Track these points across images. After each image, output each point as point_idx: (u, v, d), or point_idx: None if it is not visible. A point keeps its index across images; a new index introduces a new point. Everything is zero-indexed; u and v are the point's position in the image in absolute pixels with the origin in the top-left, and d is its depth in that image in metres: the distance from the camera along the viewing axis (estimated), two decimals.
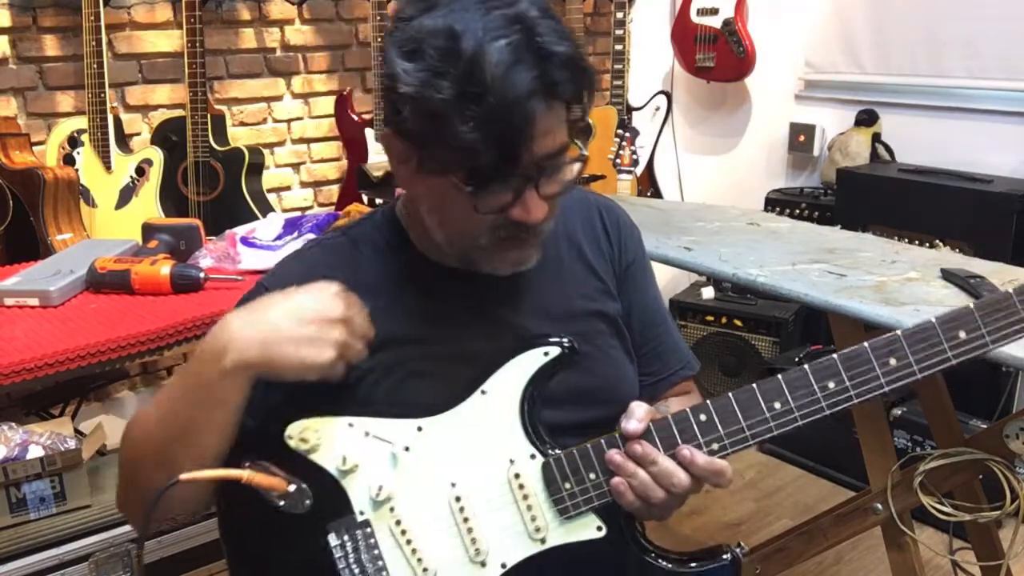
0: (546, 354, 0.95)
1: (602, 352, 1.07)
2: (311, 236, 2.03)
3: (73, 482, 1.86)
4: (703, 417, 0.92)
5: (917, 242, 2.62)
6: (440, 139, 0.84)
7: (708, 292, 3.12)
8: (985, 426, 2.25)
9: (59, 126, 2.56)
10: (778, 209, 3.20)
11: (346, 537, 0.92)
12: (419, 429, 0.94)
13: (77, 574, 1.88)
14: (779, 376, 0.90)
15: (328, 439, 0.93)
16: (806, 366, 0.90)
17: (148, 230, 2.00)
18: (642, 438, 0.92)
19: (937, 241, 2.63)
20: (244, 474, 0.87)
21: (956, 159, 2.87)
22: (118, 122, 2.63)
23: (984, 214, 2.60)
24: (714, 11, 3.35)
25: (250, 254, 1.96)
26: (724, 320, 3.05)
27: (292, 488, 0.88)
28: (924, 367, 0.88)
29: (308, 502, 0.89)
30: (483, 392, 0.95)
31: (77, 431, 2.09)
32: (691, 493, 0.92)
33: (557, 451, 0.94)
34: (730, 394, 0.91)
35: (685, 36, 3.43)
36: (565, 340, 0.95)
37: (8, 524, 1.81)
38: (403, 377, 0.99)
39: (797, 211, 3.15)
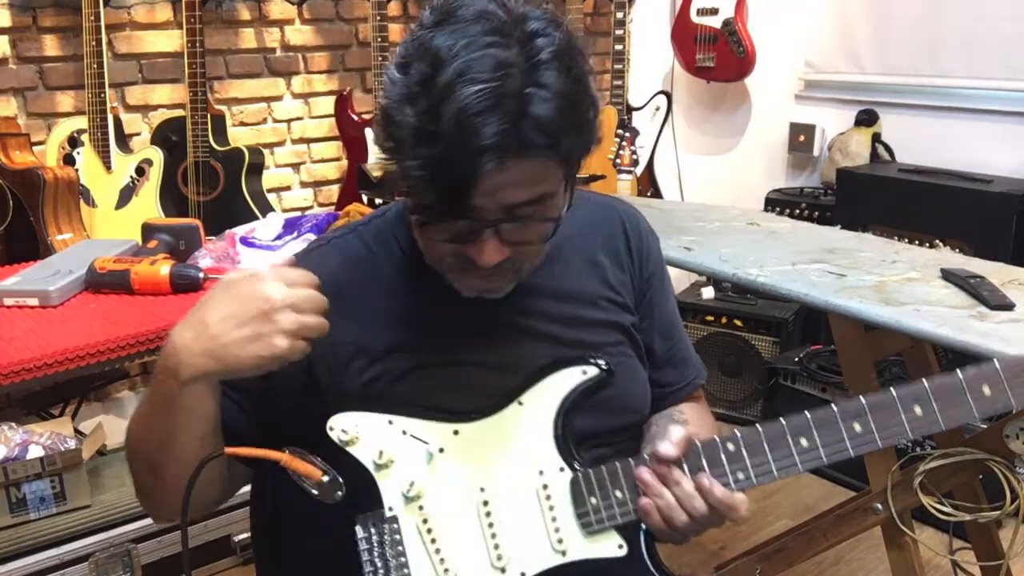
0: (584, 372, 0.96)
1: (617, 362, 1.06)
2: (311, 236, 2.03)
3: (73, 482, 1.87)
4: (731, 447, 0.92)
5: (917, 242, 2.62)
6: (400, 165, 0.85)
7: (708, 292, 3.12)
8: (985, 426, 2.25)
9: (59, 126, 2.56)
10: (778, 209, 3.20)
11: (372, 530, 0.94)
12: (455, 432, 0.96)
13: (77, 574, 1.88)
14: (807, 413, 0.92)
15: (367, 433, 0.95)
16: (834, 406, 0.92)
17: (148, 230, 2.00)
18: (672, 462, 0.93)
19: (937, 241, 2.63)
20: (283, 456, 0.88)
21: (956, 159, 2.87)
22: (118, 122, 2.63)
23: (984, 214, 2.60)
24: (714, 11, 3.35)
25: (250, 254, 1.96)
26: (724, 320, 3.04)
27: (326, 478, 0.89)
28: (949, 418, 0.89)
29: (340, 493, 0.90)
30: (520, 403, 0.97)
31: (77, 431, 2.10)
32: (710, 526, 0.93)
33: (586, 466, 0.96)
34: (759, 426, 0.93)
35: (685, 36, 3.43)
36: (603, 362, 0.96)
37: (8, 524, 1.82)
38: (426, 381, 1.00)
39: (797, 211, 3.15)
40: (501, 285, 0.96)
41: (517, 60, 0.82)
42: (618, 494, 0.94)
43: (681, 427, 0.95)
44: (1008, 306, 1.44)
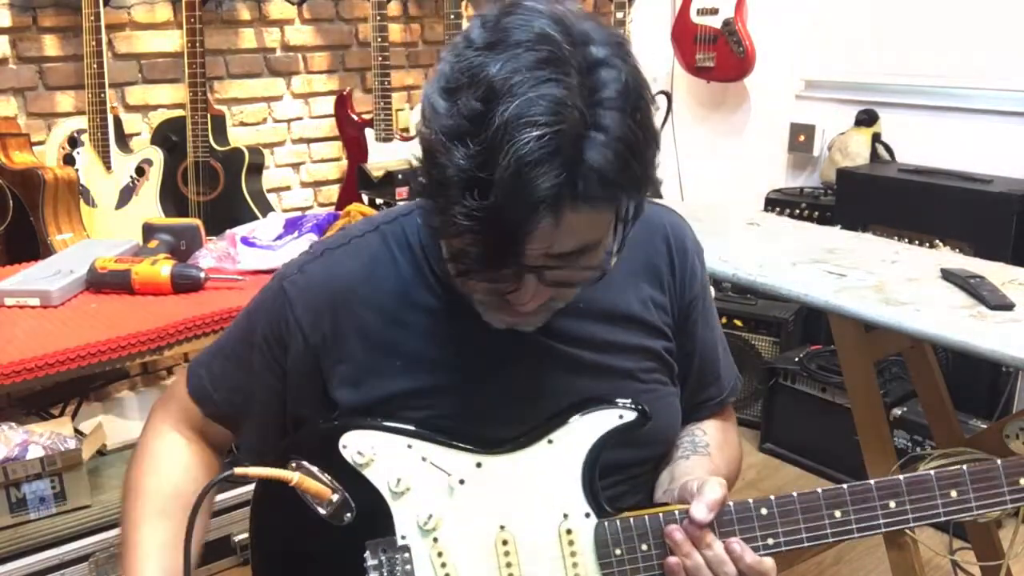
0: (621, 417, 0.93)
1: (649, 389, 1.02)
2: (312, 236, 2.03)
3: (73, 482, 1.86)
4: (764, 511, 0.91)
5: (917, 242, 2.62)
6: (436, 202, 0.77)
7: None
8: (985, 426, 2.25)
9: (59, 126, 2.56)
10: (778, 209, 3.19)
11: (383, 558, 0.91)
12: (478, 465, 0.93)
13: (77, 574, 1.87)
14: (845, 486, 0.91)
15: (384, 456, 0.92)
16: (872, 482, 0.91)
17: (148, 230, 2.00)
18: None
19: (937, 241, 2.63)
20: (294, 477, 0.86)
21: (956, 159, 2.87)
22: (118, 122, 2.63)
23: (984, 214, 2.60)
24: (714, 11, 3.35)
25: (250, 254, 1.96)
26: (724, 320, 3.04)
27: (336, 498, 0.88)
28: (982, 505, 0.90)
29: (349, 515, 0.88)
30: (550, 441, 0.93)
31: (77, 431, 2.09)
32: None
33: (613, 516, 0.93)
34: (795, 494, 0.91)
35: (685, 36, 3.43)
36: (640, 406, 0.93)
37: (8, 524, 1.81)
38: (449, 404, 0.96)
39: (797, 211, 3.15)
40: (535, 322, 0.91)
41: (577, 98, 0.73)
42: (644, 547, 0.91)
43: (717, 484, 0.90)
44: (1008, 306, 1.44)
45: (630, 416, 0.93)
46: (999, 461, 0.91)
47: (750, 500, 0.91)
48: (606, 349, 0.99)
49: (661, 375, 1.04)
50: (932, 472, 0.91)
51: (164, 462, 1.03)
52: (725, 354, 1.14)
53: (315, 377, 0.97)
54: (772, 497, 0.91)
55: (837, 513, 0.90)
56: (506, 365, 0.96)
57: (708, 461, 1.01)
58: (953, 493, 0.90)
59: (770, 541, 0.90)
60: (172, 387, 1.08)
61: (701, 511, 0.87)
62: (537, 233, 0.75)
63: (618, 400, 0.94)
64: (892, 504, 0.90)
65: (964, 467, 0.91)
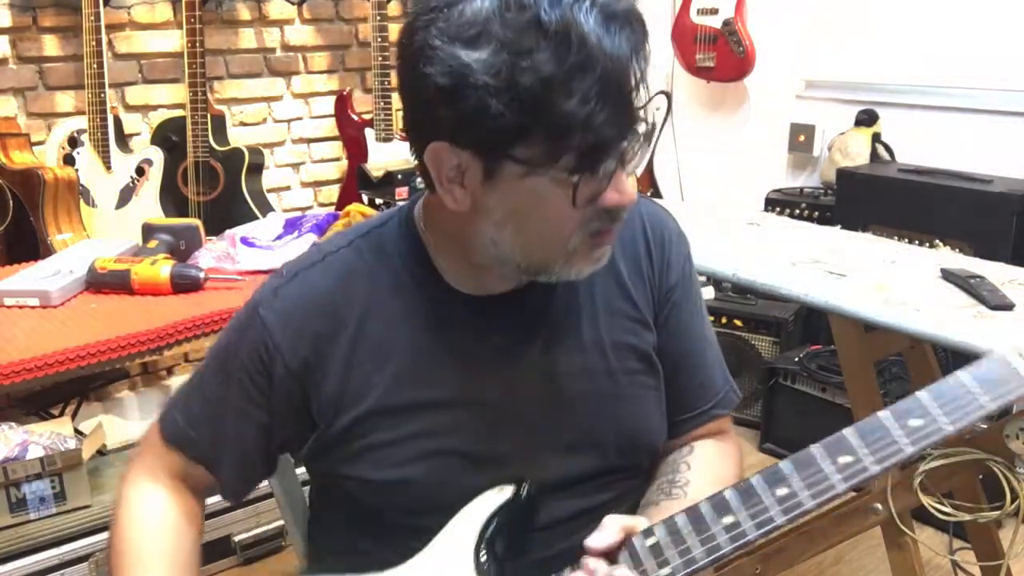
0: (501, 491, 0.91)
1: (630, 393, 0.97)
2: (311, 236, 2.03)
3: (73, 482, 1.86)
4: (651, 541, 0.83)
5: (917, 242, 2.62)
6: (543, 126, 0.74)
7: (708, 292, 3.12)
8: (985, 426, 2.25)
9: (59, 126, 2.56)
10: (778, 209, 3.19)
11: None
12: None
13: (77, 574, 1.88)
14: (726, 490, 0.83)
15: None
16: (752, 477, 0.83)
17: (148, 230, 2.00)
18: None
19: (937, 241, 2.62)
20: None
21: (956, 159, 2.87)
22: (118, 122, 2.63)
23: (984, 214, 2.60)
24: (714, 11, 3.34)
25: (250, 254, 1.96)
26: (724, 320, 3.04)
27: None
28: (880, 459, 0.80)
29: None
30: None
31: (77, 431, 2.09)
32: None
33: None
34: (679, 514, 0.83)
35: (685, 36, 3.43)
36: (521, 485, 0.91)
37: (8, 524, 1.82)
38: (426, 421, 0.92)
39: (797, 211, 3.15)
40: (611, 248, 0.89)
41: None
42: None
43: (612, 523, 0.84)
44: (1008, 306, 1.44)
45: (508, 492, 0.90)
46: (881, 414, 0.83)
47: (641, 530, 0.84)
48: (586, 348, 0.96)
49: (647, 378, 0.99)
50: (812, 448, 0.82)
51: (145, 516, 0.97)
52: (716, 363, 1.07)
53: (301, 403, 0.93)
54: (661, 521, 0.84)
55: (727, 519, 0.82)
56: (486, 372, 0.93)
57: (679, 505, 0.91)
58: (845, 459, 0.81)
59: (665, 571, 0.81)
60: (145, 438, 1.02)
61: (593, 539, 0.83)
62: (637, 80, 0.76)
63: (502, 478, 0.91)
64: (782, 491, 0.81)
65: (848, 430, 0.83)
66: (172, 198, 2.64)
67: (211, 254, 1.95)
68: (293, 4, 2.97)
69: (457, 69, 0.73)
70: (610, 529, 0.83)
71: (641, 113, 0.78)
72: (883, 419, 0.81)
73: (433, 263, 0.93)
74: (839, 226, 2.66)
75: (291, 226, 2.09)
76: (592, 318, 0.96)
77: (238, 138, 2.85)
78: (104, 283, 1.80)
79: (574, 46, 0.72)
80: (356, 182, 2.99)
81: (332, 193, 3.22)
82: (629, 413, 0.97)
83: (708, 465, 1.01)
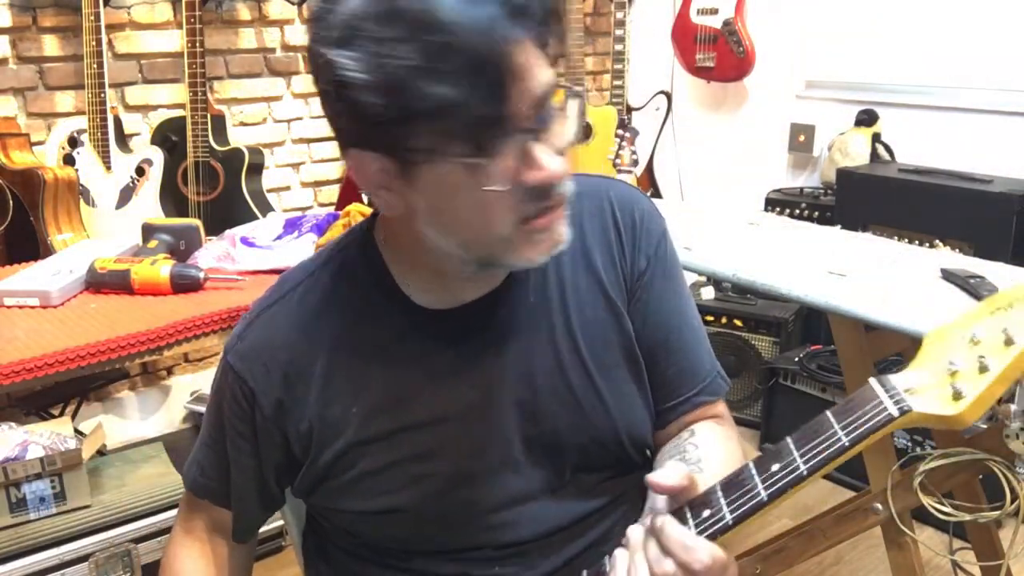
0: None
1: (609, 388, 0.94)
2: (311, 236, 2.03)
3: (73, 482, 1.87)
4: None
5: (917, 242, 2.62)
6: (421, 115, 0.71)
7: (708, 292, 3.12)
8: (985, 426, 2.25)
9: (59, 126, 2.56)
10: (778, 209, 3.19)
11: None
12: None
13: (77, 574, 1.88)
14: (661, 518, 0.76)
15: None
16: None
17: (148, 230, 2.00)
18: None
19: (937, 241, 2.62)
20: None
21: (956, 159, 2.87)
22: (118, 122, 2.63)
23: (984, 214, 2.60)
24: (714, 11, 3.34)
25: (249, 254, 1.96)
26: (724, 320, 3.04)
27: None
28: (735, 508, 0.77)
29: None
30: None
31: (77, 431, 2.09)
32: None
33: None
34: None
35: (685, 36, 3.43)
36: None
37: (8, 524, 1.82)
38: (409, 446, 0.90)
39: (797, 211, 3.15)
40: (563, 227, 0.83)
41: None
42: None
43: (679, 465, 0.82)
44: None
45: None
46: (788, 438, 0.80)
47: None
48: (560, 348, 0.92)
49: (622, 371, 0.95)
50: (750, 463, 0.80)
51: (180, 571, 1.02)
52: (700, 347, 1.00)
53: (282, 442, 0.93)
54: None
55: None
56: (464, 386, 0.90)
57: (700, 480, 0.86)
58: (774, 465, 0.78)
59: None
60: (181, 503, 1.07)
61: (659, 477, 0.77)
62: (516, 54, 0.71)
63: None
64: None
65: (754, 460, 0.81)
66: (172, 198, 2.64)
67: (211, 254, 1.95)
68: (293, 4, 2.97)
69: (336, 73, 0.72)
70: (675, 471, 0.78)
71: (542, 81, 0.74)
72: (749, 466, 0.80)
73: (397, 282, 0.90)
74: (839, 226, 2.66)
75: (291, 226, 2.09)
76: (565, 316, 0.93)
77: (238, 138, 2.85)
78: (104, 283, 1.80)
79: (434, 29, 0.69)
80: (356, 182, 2.99)
81: (332, 193, 3.22)
82: (610, 409, 0.93)
83: (716, 444, 0.96)
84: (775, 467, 0.78)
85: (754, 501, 0.76)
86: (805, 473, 0.76)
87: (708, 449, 0.94)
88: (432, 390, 0.90)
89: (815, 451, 0.76)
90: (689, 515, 0.77)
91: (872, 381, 0.76)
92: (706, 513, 0.76)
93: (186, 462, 1.04)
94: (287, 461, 0.95)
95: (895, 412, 0.73)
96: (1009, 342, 0.72)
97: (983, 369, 0.72)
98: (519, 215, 0.79)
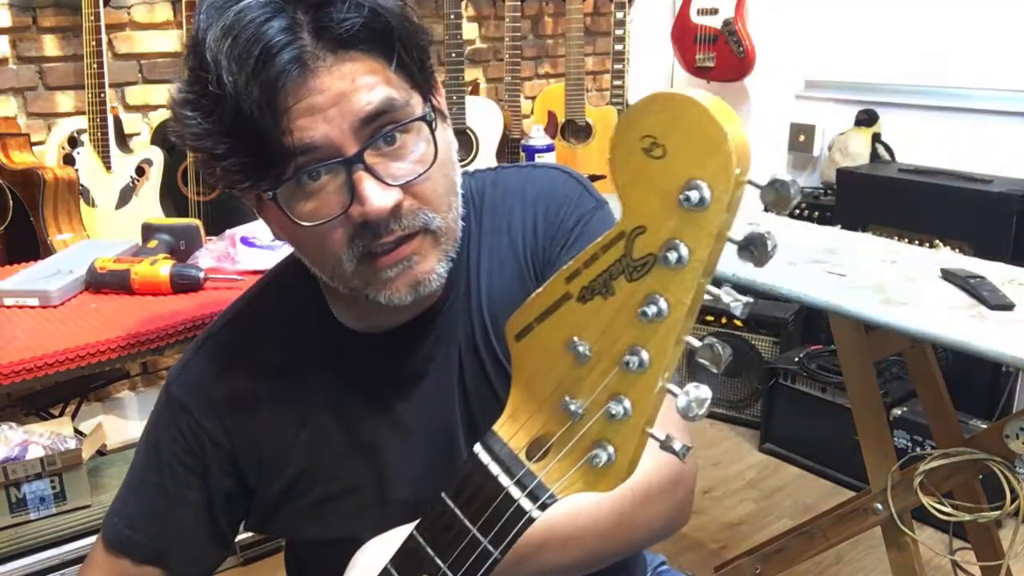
0: None
1: None
2: None
3: (73, 482, 1.87)
4: None
5: (917, 242, 2.62)
6: (210, 155, 0.73)
7: None
8: (985, 426, 2.25)
9: (59, 126, 2.56)
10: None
11: None
12: None
13: (77, 574, 1.88)
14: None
15: None
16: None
17: (148, 230, 2.00)
18: None
19: (937, 241, 2.62)
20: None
21: (956, 159, 2.87)
22: (118, 122, 2.63)
23: (984, 214, 2.60)
24: (714, 11, 3.35)
25: (249, 254, 1.96)
26: (724, 320, 3.04)
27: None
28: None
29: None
30: None
31: (77, 431, 2.09)
32: None
33: None
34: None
35: (685, 36, 3.43)
36: None
37: (8, 524, 1.82)
38: (355, 476, 0.87)
39: (797, 211, 3.15)
40: (425, 264, 0.77)
41: None
42: None
43: None
44: (1008, 306, 1.44)
45: None
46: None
47: None
48: (483, 361, 0.88)
49: None
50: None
51: None
52: None
53: (232, 469, 0.90)
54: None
55: None
56: (406, 407, 0.88)
57: None
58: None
59: None
60: (89, 556, 0.94)
61: None
62: (298, 94, 0.68)
63: None
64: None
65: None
66: (172, 198, 2.64)
67: (211, 254, 1.95)
68: None
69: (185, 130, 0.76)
70: None
71: (323, 131, 0.70)
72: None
73: (330, 307, 0.89)
74: (839, 226, 2.66)
75: None
76: (482, 319, 0.88)
77: None
78: (104, 283, 1.80)
79: (211, 79, 0.69)
80: None
81: None
82: None
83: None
84: None
85: None
86: None
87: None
88: (376, 414, 0.88)
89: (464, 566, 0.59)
90: None
91: (483, 456, 0.58)
92: None
93: (103, 520, 0.94)
94: (239, 490, 0.91)
95: (535, 513, 0.56)
96: (639, 366, 0.50)
97: (613, 417, 0.51)
98: (359, 251, 0.75)
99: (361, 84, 0.71)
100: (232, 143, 0.71)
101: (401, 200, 0.74)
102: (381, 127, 0.72)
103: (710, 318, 3.07)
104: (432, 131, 0.76)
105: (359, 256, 0.76)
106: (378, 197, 0.72)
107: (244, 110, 0.68)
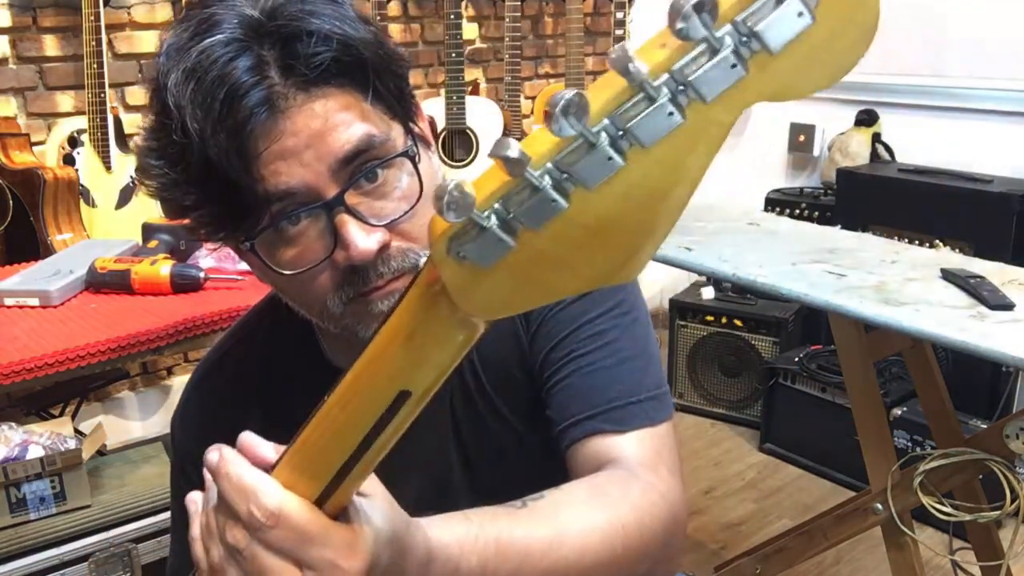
0: None
1: (532, 437, 0.85)
2: None
3: (73, 482, 1.87)
4: None
5: (917, 242, 2.62)
6: (177, 205, 0.71)
7: (708, 292, 3.12)
8: (985, 426, 2.25)
9: (59, 126, 2.56)
10: (778, 209, 3.19)
11: None
12: None
13: (77, 574, 1.88)
14: None
15: None
16: None
17: (148, 230, 2.00)
18: None
19: (937, 241, 2.63)
20: None
21: (956, 159, 2.87)
22: (118, 122, 2.63)
23: (984, 214, 2.60)
24: None
25: None
26: (724, 320, 3.04)
27: None
28: None
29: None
30: None
31: (77, 431, 2.09)
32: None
33: None
34: None
35: None
36: None
37: (8, 524, 1.82)
38: None
39: (797, 211, 3.15)
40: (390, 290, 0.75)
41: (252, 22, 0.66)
42: None
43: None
44: (1008, 306, 1.45)
45: None
46: None
47: None
48: (473, 398, 0.85)
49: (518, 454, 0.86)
50: None
51: None
52: (612, 370, 0.81)
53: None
54: None
55: None
56: (403, 446, 0.85)
57: (504, 513, 0.68)
58: None
59: None
60: None
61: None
62: (270, 137, 0.65)
63: None
64: None
65: None
66: None
67: (211, 254, 1.95)
68: None
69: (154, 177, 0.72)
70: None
71: (299, 175, 0.67)
72: None
73: (319, 342, 0.87)
74: (839, 226, 2.66)
75: None
76: (480, 364, 0.85)
77: None
78: (104, 283, 1.80)
79: (175, 126, 0.66)
80: None
81: None
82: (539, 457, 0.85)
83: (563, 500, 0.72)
84: None
85: None
86: None
87: (552, 498, 0.71)
88: None
89: None
90: None
91: None
92: None
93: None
94: None
95: None
96: None
97: None
98: (346, 294, 0.72)
99: (337, 122, 0.67)
100: (201, 193, 0.68)
101: (387, 240, 0.70)
102: (361, 166, 0.69)
103: (710, 318, 3.07)
104: (415, 165, 0.72)
105: (349, 298, 0.73)
106: (363, 240, 0.68)
107: (212, 158, 0.65)
